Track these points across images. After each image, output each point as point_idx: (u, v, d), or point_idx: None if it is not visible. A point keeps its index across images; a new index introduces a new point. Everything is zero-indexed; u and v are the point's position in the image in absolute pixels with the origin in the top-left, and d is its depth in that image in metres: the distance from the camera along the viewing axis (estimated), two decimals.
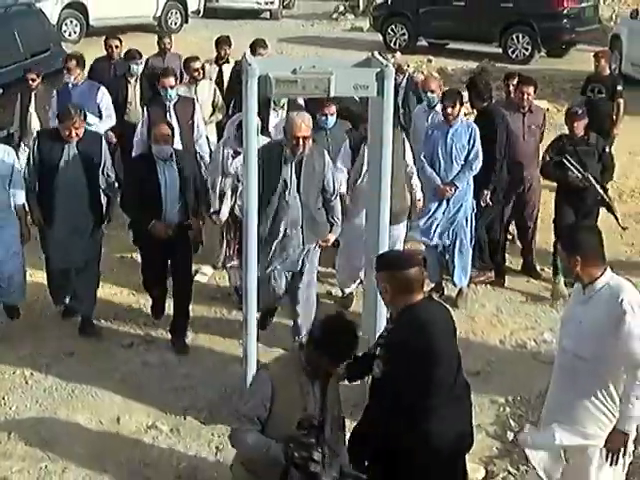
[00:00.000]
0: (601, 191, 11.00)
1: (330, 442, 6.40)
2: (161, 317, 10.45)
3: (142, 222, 9.77)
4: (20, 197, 9.93)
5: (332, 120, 11.41)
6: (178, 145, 11.06)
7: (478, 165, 10.96)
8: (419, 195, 11.03)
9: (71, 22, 25.48)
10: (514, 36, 25.52)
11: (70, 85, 13.07)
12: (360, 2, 32.31)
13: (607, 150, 11.19)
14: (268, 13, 31.60)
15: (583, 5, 26.19)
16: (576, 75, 20.01)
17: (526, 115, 11.81)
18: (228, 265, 11.04)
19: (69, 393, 9.11)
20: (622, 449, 6.57)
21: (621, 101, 14.97)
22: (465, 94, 11.94)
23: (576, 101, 15.21)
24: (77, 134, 9.70)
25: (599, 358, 6.21)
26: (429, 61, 24.26)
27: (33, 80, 13.48)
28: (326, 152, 9.79)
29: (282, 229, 9.49)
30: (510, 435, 8.37)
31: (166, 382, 9.19)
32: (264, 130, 11.26)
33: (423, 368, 6.22)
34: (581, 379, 6.34)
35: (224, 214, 10.71)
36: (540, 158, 11.67)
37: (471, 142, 10.94)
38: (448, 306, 7.07)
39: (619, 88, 15.08)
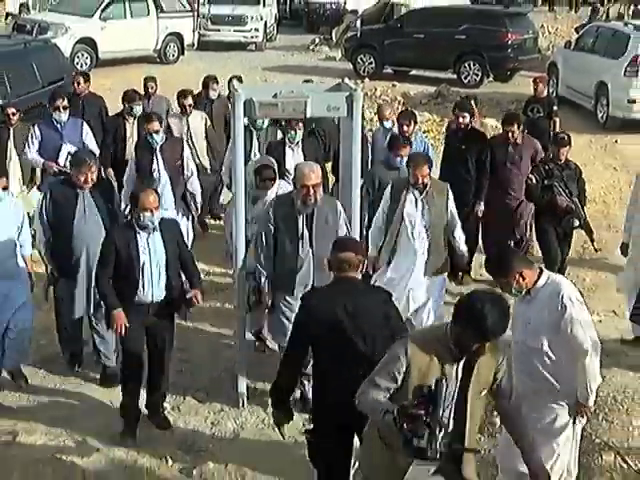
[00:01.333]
0: (584, 214, 10.62)
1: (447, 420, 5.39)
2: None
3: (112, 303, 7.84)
4: (28, 248, 8.78)
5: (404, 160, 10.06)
6: (167, 188, 10.48)
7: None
8: (463, 248, 9.56)
9: (82, 55, 25.39)
10: (466, 64, 25.66)
11: (56, 122, 11.76)
12: (333, 35, 32.32)
13: (582, 176, 10.88)
14: (254, 45, 31.50)
15: (525, 37, 26.33)
16: (519, 97, 20.11)
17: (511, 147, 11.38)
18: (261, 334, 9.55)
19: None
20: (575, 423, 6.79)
21: (557, 119, 15.30)
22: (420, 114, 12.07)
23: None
24: (92, 179, 8.58)
25: (548, 347, 6.37)
26: (394, 86, 24.26)
27: (13, 115, 12.23)
28: (339, 203, 8.54)
29: (291, 287, 8.28)
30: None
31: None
32: (280, 170, 10.04)
33: (303, 332, 6.44)
34: (535, 367, 6.47)
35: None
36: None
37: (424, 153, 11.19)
38: (385, 292, 6.77)
39: (555, 108, 15.47)
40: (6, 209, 8.46)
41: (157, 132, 10.78)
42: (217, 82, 14.26)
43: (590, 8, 35.87)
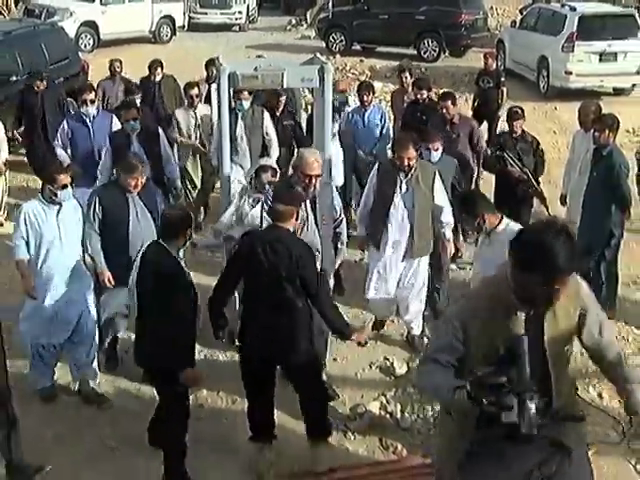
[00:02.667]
0: (535, 184, 10.33)
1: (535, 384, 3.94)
2: None
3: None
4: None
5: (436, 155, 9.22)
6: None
7: (388, 139, 11.19)
8: (448, 234, 8.67)
9: (86, 36, 25.25)
10: (425, 41, 25.56)
11: (84, 116, 10.56)
12: (308, 17, 32.17)
13: (540, 147, 10.60)
14: (238, 27, 31.34)
15: (476, 17, 26.30)
16: (471, 70, 20.11)
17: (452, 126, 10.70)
18: None
19: None
20: None
21: (504, 89, 15.37)
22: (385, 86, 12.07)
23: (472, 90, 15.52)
24: (141, 183, 7.77)
25: None
26: (361, 61, 24.20)
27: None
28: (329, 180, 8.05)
29: None
30: None
31: None
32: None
33: (232, 264, 6.59)
34: None
35: None
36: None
37: (382, 121, 11.41)
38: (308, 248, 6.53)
39: (502, 79, 15.56)
40: (70, 210, 7.54)
41: (135, 119, 9.70)
42: (162, 66, 13.62)
43: None
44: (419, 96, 11.81)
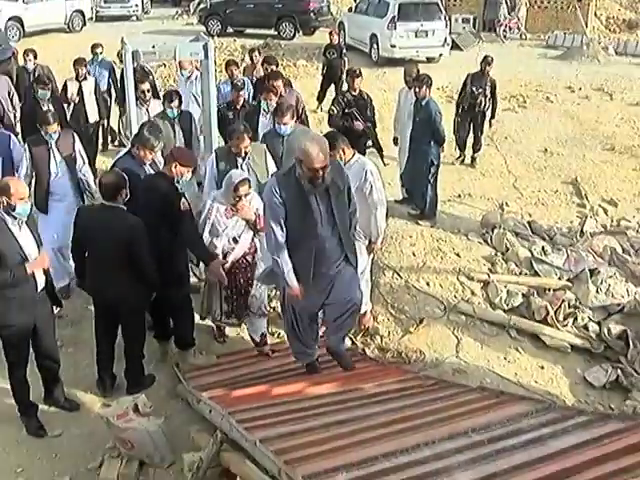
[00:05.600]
0: (374, 134, 9.63)
1: None
2: None
3: None
4: None
5: (288, 129, 7.21)
6: (65, 177, 7.35)
7: None
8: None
9: (12, 29, 23.84)
10: (283, 24, 24.98)
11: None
12: (191, 7, 31.28)
13: (372, 103, 9.73)
14: (135, 17, 30.23)
15: (321, 5, 25.97)
16: (320, 45, 19.65)
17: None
18: (224, 321, 6.62)
19: None
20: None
21: (346, 59, 15.53)
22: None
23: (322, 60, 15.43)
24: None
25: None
26: (235, 41, 23.57)
27: None
28: (343, 166, 5.86)
29: (313, 266, 5.47)
30: None
31: None
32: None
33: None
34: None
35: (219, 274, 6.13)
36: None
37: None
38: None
39: (344, 51, 15.45)
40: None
41: (55, 132, 7.30)
42: (35, 55, 11.48)
43: None
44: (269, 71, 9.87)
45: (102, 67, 12.06)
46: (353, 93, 9.53)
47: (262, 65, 10.49)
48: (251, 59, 11.52)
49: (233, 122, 8.13)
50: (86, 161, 7.73)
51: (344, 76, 14.79)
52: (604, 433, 3.80)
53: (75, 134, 7.67)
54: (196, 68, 10.33)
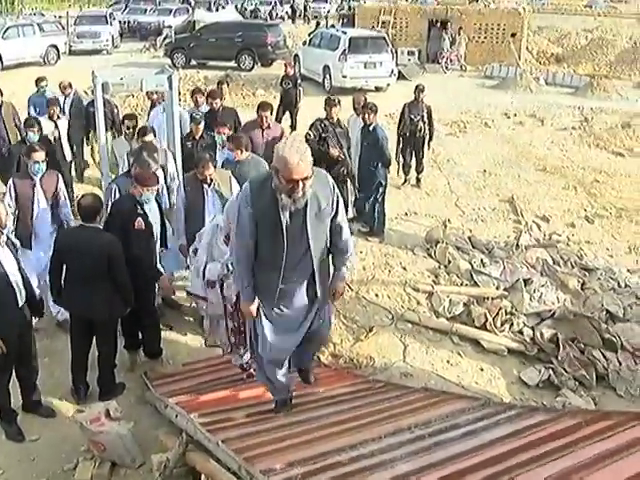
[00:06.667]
0: (351, 163, 9.24)
1: None
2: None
3: None
4: None
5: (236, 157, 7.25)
6: (45, 216, 6.93)
7: None
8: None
9: None
10: (243, 56, 25.12)
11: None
12: (157, 42, 31.14)
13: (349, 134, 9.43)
14: (105, 51, 30.00)
15: (278, 39, 26.12)
16: (277, 76, 19.80)
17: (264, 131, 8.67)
18: (232, 353, 5.86)
19: None
20: None
21: (301, 88, 15.59)
22: None
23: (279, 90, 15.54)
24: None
25: None
26: (198, 72, 23.60)
27: None
28: (333, 185, 4.60)
29: (278, 290, 4.60)
30: None
31: None
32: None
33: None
34: None
35: (215, 305, 5.68)
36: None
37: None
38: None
39: (299, 81, 15.55)
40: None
41: (43, 161, 6.88)
42: (1, 93, 10.21)
43: (316, 21, 37.20)
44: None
45: (46, 101, 10.69)
46: (331, 120, 9.13)
47: (207, 99, 9.95)
48: (220, 90, 11.52)
49: (191, 152, 8.23)
50: (68, 203, 7.29)
51: (299, 104, 15.06)
52: (529, 425, 3.96)
53: (59, 174, 7.25)
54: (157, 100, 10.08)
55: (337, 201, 4.56)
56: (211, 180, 6.85)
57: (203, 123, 8.81)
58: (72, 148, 10.38)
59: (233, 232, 4.68)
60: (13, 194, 6.87)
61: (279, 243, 4.42)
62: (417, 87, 11.83)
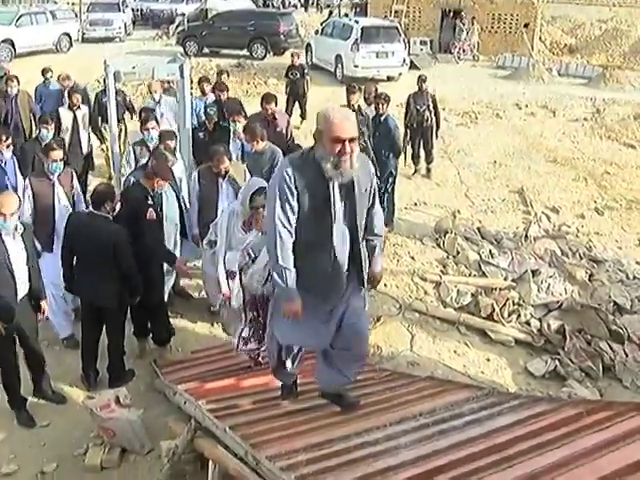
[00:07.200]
0: (372, 152, 8.82)
1: None
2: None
3: None
4: None
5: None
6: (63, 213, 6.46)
7: None
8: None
9: (5, 50, 23.72)
10: (255, 45, 25.03)
11: None
12: (170, 30, 31.12)
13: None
14: (118, 39, 29.99)
15: (290, 28, 25.91)
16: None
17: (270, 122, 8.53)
18: (242, 349, 5.64)
19: None
20: None
21: (308, 78, 15.45)
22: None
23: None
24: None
25: None
26: (210, 60, 23.62)
27: None
28: (372, 168, 4.28)
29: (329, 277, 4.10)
30: None
31: None
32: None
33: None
34: None
35: (235, 296, 5.64)
36: None
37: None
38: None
39: (306, 71, 15.48)
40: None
41: (60, 160, 6.65)
42: (18, 81, 10.16)
43: (328, 10, 36.69)
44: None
45: (52, 92, 11.02)
46: (352, 108, 8.93)
47: (213, 92, 9.96)
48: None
49: (205, 143, 8.26)
50: (82, 198, 7.09)
51: (308, 94, 15.04)
52: (531, 414, 4.00)
53: (74, 172, 7.01)
54: (164, 90, 10.06)
55: (374, 185, 4.25)
56: (226, 173, 6.92)
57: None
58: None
59: (268, 213, 4.03)
60: (31, 194, 6.54)
61: (326, 222, 3.93)
62: (420, 77, 11.85)
